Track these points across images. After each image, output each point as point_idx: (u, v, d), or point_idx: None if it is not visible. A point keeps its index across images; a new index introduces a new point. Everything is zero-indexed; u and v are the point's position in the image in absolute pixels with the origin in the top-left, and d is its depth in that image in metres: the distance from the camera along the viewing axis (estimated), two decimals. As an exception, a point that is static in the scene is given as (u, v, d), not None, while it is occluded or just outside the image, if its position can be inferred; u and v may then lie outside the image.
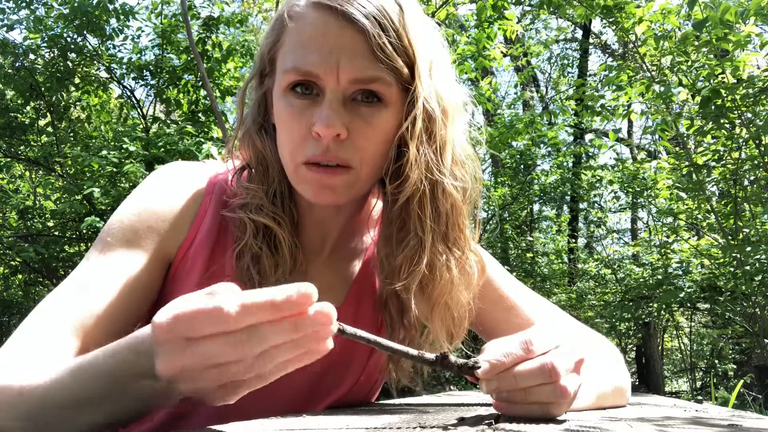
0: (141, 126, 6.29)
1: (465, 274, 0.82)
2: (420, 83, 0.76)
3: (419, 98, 0.76)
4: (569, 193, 8.57)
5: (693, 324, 9.06)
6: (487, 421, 0.58)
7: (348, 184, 0.77)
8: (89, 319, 0.72)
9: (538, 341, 0.61)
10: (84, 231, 5.22)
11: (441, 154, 0.78)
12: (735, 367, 8.65)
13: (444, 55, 0.82)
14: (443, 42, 0.83)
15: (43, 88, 5.83)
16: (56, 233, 6.30)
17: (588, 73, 10.01)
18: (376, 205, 0.92)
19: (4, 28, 5.59)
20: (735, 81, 3.80)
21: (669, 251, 6.52)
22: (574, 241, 9.42)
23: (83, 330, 0.71)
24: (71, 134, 6.36)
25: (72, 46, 5.74)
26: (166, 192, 0.83)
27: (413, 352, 0.58)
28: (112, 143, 5.55)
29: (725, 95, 3.75)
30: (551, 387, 0.59)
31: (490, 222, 7.89)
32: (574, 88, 6.57)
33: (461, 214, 0.81)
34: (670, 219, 7.07)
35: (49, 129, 6.34)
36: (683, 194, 5.22)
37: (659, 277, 6.65)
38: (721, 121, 3.97)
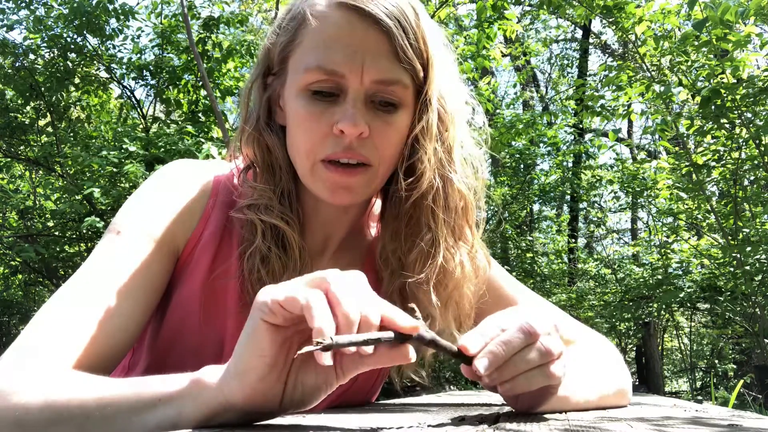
0: (141, 126, 6.29)
1: (475, 266, 0.85)
2: (433, 84, 0.78)
3: (433, 99, 0.78)
4: (569, 192, 8.57)
5: (693, 324, 9.06)
6: (487, 421, 0.58)
7: (366, 183, 0.78)
8: (107, 312, 0.72)
9: (509, 317, 0.63)
10: (84, 231, 5.22)
11: (451, 152, 0.81)
12: (735, 367, 8.65)
13: (451, 57, 0.84)
14: (450, 45, 0.85)
15: (43, 88, 5.84)
16: (56, 233, 6.30)
17: (588, 73, 10.01)
18: (376, 205, 0.92)
19: (4, 28, 5.59)
20: (735, 81, 3.80)
21: (669, 251, 6.52)
22: (574, 241, 9.42)
23: (101, 324, 0.71)
24: (71, 134, 6.36)
25: (72, 46, 5.75)
26: (174, 187, 0.83)
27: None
28: (112, 143, 5.55)
29: (725, 95, 3.75)
30: (534, 349, 0.60)
31: (490, 222, 7.89)
32: (574, 88, 6.57)
33: (469, 208, 0.83)
34: (670, 219, 7.08)
35: (49, 129, 6.34)
36: (683, 194, 5.22)
37: (659, 277, 6.65)
38: (721, 121, 3.97)
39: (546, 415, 0.65)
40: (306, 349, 0.50)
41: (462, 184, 0.81)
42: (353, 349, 0.52)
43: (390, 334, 0.52)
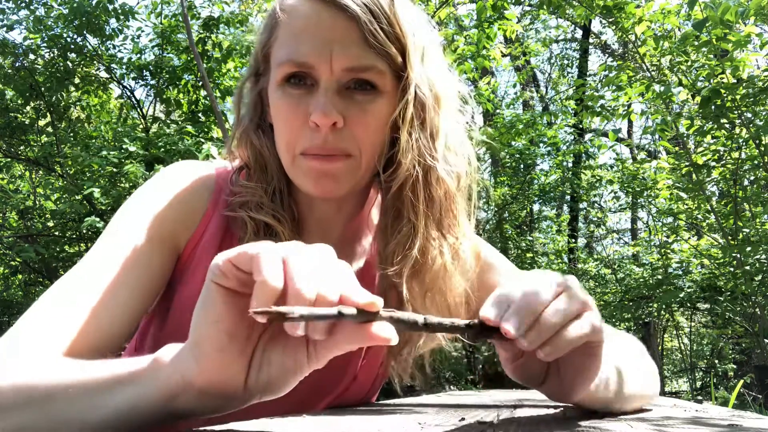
0: (141, 126, 6.30)
1: (459, 260, 0.82)
2: (412, 69, 0.76)
3: (411, 84, 0.76)
4: (569, 192, 8.57)
5: (693, 324, 9.06)
6: (487, 421, 0.58)
7: (349, 171, 0.77)
8: (102, 300, 0.71)
9: (524, 278, 0.58)
10: (84, 231, 5.22)
11: (433, 140, 0.79)
12: (735, 367, 8.65)
13: (435, 43, 0.83)
14: (434, 31, 0.83)
15: (43, 88, 5.84)
16: (56, 233, 6.30)
17: (588, 73, 10.00)
18: (376, 202, 0.92)
19: (4, 28, 5.60)
20: (735, 81, 3.80)
21: (669, 251, 6.53)
22: (574, 241, 9.42)
23: (95, 312, 0.70)
24: (71, 134, 6.36)
25: (72, 46, 5.75)
26: (175, 187, 0.82)
27: (448, 322, 0.52)
28: (112, 143, 5.56)
29: (725, 95, 3.75)
30: (565, 298, 0.55)
31: (490, 222, 7.89)
32: (574, 88, 6.57)
33: (454, 200, 0.81)
34: (670, 219, 7.08)
35: (49, 129, 6.35)
36: (683, 194, 5.23)
37: (659, 277, 6.65)
38: (721, 121, 3.97)
39: (550, 415, 0.65)
40: (259, 309, 0.45)
41: (445, 173, 0.79)
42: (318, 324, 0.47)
43: (353, 310, 0.47)
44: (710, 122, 4.04)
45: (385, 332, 0.48)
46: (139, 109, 6.55)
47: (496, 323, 0.53)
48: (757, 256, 4.40)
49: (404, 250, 0.78)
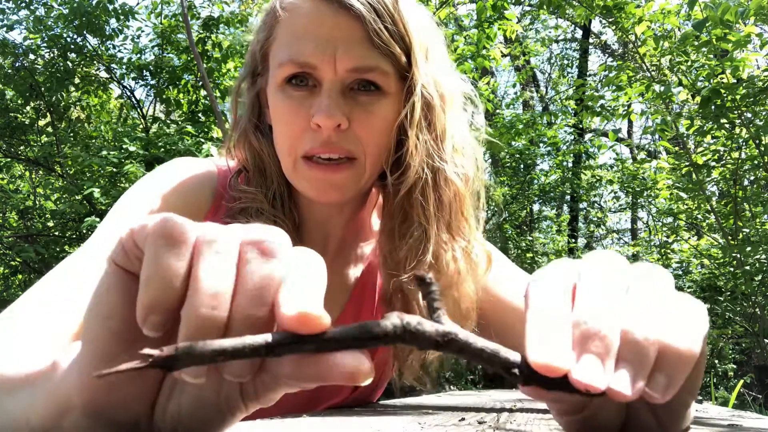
0: (141, 126, 6.30)
1: (471, 263, 0.80)
2: (417, 69, 0.74)
3: (417, 85, 0.74)
4: (569, 192, 8.57)
5: (693, 324, 9.05)
6: (487, 421, 0.58)
7: (353, 179, 0.74)
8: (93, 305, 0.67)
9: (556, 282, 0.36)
10: (84, 231, 5.22)
11: (441, 141, 0.77)
12: (735, 367, 8.65)
13: (440, 42, 0.81)
14: (439, 30, 0.82)
15: (43, 88, 5.84)
16: (56, 233, 6.30)
17: (588, 73, 10.00)
18: (376, 204, 0.90)
19: (4, 28, 5.60)
20: (735, 81, 3.80)
21: (669, 251, 6.53)
22: (574, 241, 9.42)
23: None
24: (71, 134, 6.37)
25: (72, 46, 5.75)
26: (181, 176, 0.80)
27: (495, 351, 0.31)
28: (112, 143, 5.56)
29: (725, 95, 3.75)
30: (638, 288, 0.36)
31: (491, 221, 7.89)
32: (574, 88, 6.57)
33: (464, 201, 0.79)
34: (670, 219, 7.08)
35: (49, 129, 6.35)
36: (683, 194, 5.23)
37: (659, 277, 6.64)
38: (721, 121, 3.97)
39: (548, 416, 0.65)
40: (124, 366, 0.27)
41: (454, 175, 0.77)
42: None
43: (265, 338, 0.29)
44: (710, 122, 4.05)
45: (349, 361, 0.31)
46: (139, 109, 6.55)
47: (582, 385, 0.31)
48: (757, 256, 4.41)
49: (417, 256, 0.76)
